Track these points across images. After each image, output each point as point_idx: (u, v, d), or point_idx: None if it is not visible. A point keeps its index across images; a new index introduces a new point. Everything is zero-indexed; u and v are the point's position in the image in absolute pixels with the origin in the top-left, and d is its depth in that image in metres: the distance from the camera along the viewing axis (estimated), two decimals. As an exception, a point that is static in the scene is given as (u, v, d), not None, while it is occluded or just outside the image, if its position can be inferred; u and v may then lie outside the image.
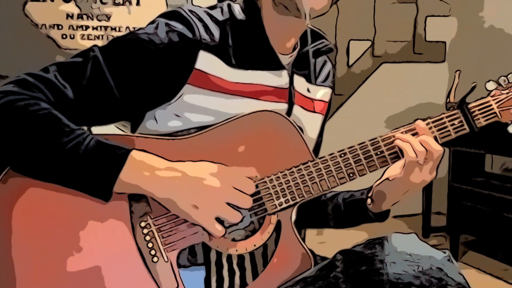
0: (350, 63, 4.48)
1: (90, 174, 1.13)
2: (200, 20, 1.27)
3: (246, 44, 1.32)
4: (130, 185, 1.14)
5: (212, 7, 1.34)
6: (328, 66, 1.52)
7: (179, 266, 1.20)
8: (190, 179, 1.17)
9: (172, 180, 1.16)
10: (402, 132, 1.30)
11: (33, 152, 1.13)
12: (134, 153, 1.15)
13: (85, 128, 1.23)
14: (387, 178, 1.35)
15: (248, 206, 1.20)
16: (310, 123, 1.43)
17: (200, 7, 1.32)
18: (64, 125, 1.14)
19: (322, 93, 1.47)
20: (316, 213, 1.52)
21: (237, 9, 1.35)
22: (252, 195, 1.22)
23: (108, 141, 1.16)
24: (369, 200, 1.42)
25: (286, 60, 1.37)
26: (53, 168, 1.13)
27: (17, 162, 1.15)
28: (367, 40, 4.49)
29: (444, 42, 4.61)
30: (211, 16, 1.30)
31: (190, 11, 1.28)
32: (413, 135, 1.29)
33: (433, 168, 1.30)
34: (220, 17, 1.31)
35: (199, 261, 1.23)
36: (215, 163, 1.20)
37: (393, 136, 1.30)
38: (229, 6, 1.35)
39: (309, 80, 1.43)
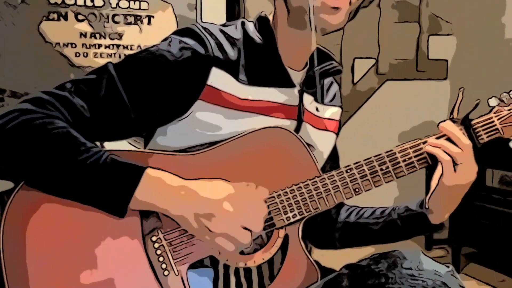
0: (355, 80, 4.44)
1: (105, 191, 1.13)
2: (213, 37, 1.27)
3: (258, 62, 1.32)
4: (145, 202, 1.15)
5: (226, 25, 1.35)
6: (335, 87, 1.53)
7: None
8: (203, 199, 1.16)
9: (185, 199, 1.16)
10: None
11: (50, 169, 1.13)
12: (149, 171, 1.15)
13: (98, 143, 1.24)
14: (434, 190, 1.34)
15: (260, 230, 1.19)
16: (321, 140, 1.43)
17: (214, 24, 1.33)
18: (81, 143, 1.14)
19: (330, 112, 1.48)
20: (355, 234, 1.51)
21: (251, 27, 1.36)
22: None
23: (124, 159, 1.16)
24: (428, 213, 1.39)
25: (297, 77, 1.37)
26: (70, 185, 1.14)
27: (33, 179, 1.15)
28: (372, 58, 4.47)
29: (446, 60, 4.58)
30: (224, 33, 1.30)
31: (204, 28, 1.28)
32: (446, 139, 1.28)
33: (472, 163, 1.29)
34: (233, 35, 1.32)
35: (209, 277, 1.24)
36: (228, 181, 1.21)
37: (397, 152, 1.29)
38: (242, 23, 1.36)
39: (317, 100, 1.44)
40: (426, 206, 1.39)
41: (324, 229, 1.51)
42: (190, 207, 1.16)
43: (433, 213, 1.39)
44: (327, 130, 1.47)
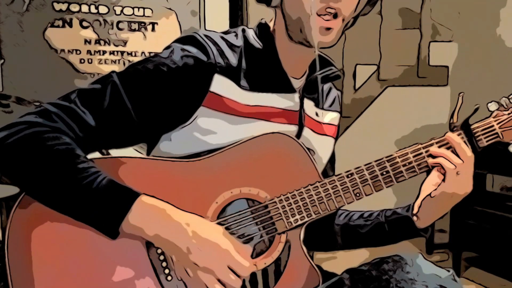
0: (357, 86, 4.44)
1: (99, 212, 1.13)
2: (215, 44, 1.28)
3: (259, 68, 1.33)
4: (135, 227, 1.15)
5: (227, 32, 1.36)
6: (334, 92, 1.54)
7: None
8: (196, 238, 1.16)
9: (176, 233, 1.16)
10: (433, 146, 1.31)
11: (47, 184, 1.14)
12: (143, 198, 1.15)
13: (104, 150, 1.29)
14: (429, 195, 1.33)
15: (246, 275, 1.18)
16: (321, 145, 1.44)
17: (215, 32, 1.34)
18: (80, 162, 1.14)
19: (329, 117, 1.49)
20: (349, 236, 1.52)
21: (251, 34, 1.37)
22: (263, 215, 1.25)
23: (120, 183, 1.16)
24: (415, 218, 1.40)
25: (297, 83, 1.38)
26: (65, 201, 1.14)
27: (32, 191, 1.16)
28: (373, 64, 4.46)
29: (447, 67, 4.56)
30: (226, 41, 1.31)
31: (205, 35, 1.29)
32: (447, 148, 1.30)
33: (470, 175, 1.30)
34: (234, 42, 1.33)
35: None
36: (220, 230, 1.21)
37: (398, 157, 1.30)
38: (243, 31, 1.38)
39: (317, 105, 1.45)
40: (414, 212, 1.40)
41: (320, 231, 1.50)
42: (183, 240, 1.16)
43: (421, 218, 1.40)
44: (326, 135, 1.48)
